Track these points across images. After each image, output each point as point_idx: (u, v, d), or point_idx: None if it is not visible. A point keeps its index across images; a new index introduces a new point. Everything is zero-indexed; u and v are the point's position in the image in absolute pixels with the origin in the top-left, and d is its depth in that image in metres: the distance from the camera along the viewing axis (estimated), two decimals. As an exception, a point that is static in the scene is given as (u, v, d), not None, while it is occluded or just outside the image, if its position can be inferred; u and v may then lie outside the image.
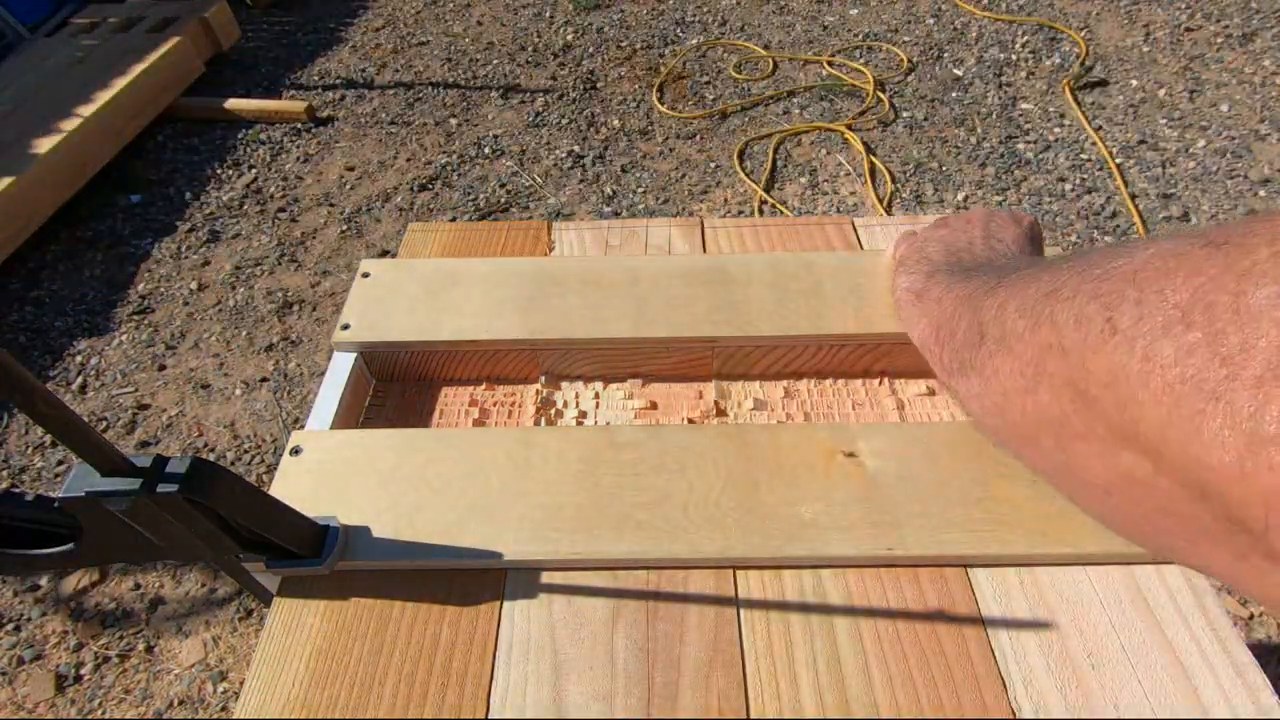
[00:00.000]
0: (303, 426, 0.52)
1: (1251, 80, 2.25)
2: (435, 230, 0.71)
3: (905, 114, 2.30)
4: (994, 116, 2.25)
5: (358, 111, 2.49)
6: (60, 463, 1.58)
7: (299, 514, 0.42)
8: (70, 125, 2.10)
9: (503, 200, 2.13)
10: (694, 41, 2.68)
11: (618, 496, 0.46)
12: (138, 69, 2.30)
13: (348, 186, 2.21)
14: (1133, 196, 1.96)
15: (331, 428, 0.53)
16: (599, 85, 2.52)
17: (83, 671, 1.28)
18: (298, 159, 2.32)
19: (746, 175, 2.13)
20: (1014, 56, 2.46)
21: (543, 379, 0.59)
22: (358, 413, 0.58)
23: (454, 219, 2.09)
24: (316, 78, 2.67)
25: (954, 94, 2.35)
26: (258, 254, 2.02)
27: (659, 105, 2.39)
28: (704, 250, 0.67)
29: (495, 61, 2.68)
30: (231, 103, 2.44)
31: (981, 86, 2.37)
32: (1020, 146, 2.15)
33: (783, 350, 0.57)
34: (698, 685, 0.39)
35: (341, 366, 0.57)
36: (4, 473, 1.57)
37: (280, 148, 2.36)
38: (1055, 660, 0.40)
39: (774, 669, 0.40)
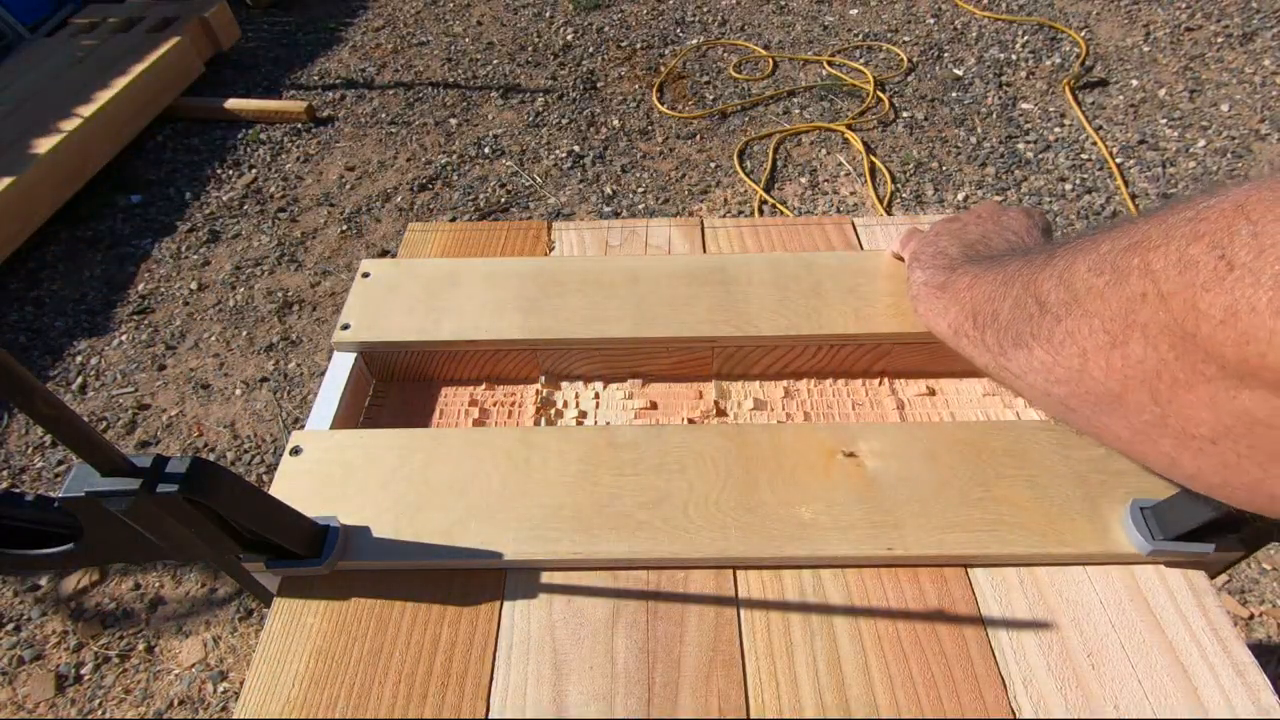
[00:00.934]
0: (303, 426, 0.52)
1: (1252, 80, 2.25)
2: (435, 230, 0.71)
3: (905, 114, 2.30)
4: (994, 116, 2.25)
5: (358, 111, 2.49)
6: (60, 463, 1.58)
7: (299, 514, 0.42)
8: (70, 125, 2.10)
9: (503, 200, 2.13)
10: (694, 41, 2.68)
11: (618, 496, 0.46)
12: (138, 69, 2.30)
13: (348, 186, 2.21)
14: (1133, 196, 1.96)
15: (331, 428, 0.53)
16: (599, 85, 2.52)
17: (83, 671, 1.28)
18: (298, 159, 2.32)
19: (746, 175, 2.13)
20: (1014, 56, 2.46)
21: (543, 379, 0.59)
22: (358, 413, 0.58)
23: (454, 219, 2.09)
24: (316, 78, 2.67)
25: (954, 94, 2.35)
26: (258, 254, 2.02)
27: (659, 105, 2.39)
28: (704, 250, 0.67)
29: (495, 61, 2.68)
30: (231, 103, 2.44)
31: (981, 86, 2.37)
32: (1020, 146, 2.15)
33: (783, 350, 0.57)
34: (698, 685, 0.39)
35: (341, 366, 0.57)
36: (4, 473, 1.57)
37: (280, 148, 2.36)
38: (1055, 660, 0.40)
39: (774, 669, 0.40)
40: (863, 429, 0.49)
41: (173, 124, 2.45)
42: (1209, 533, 0.41)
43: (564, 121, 2.37)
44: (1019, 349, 0.34)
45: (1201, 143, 2.08)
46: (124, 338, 1.83)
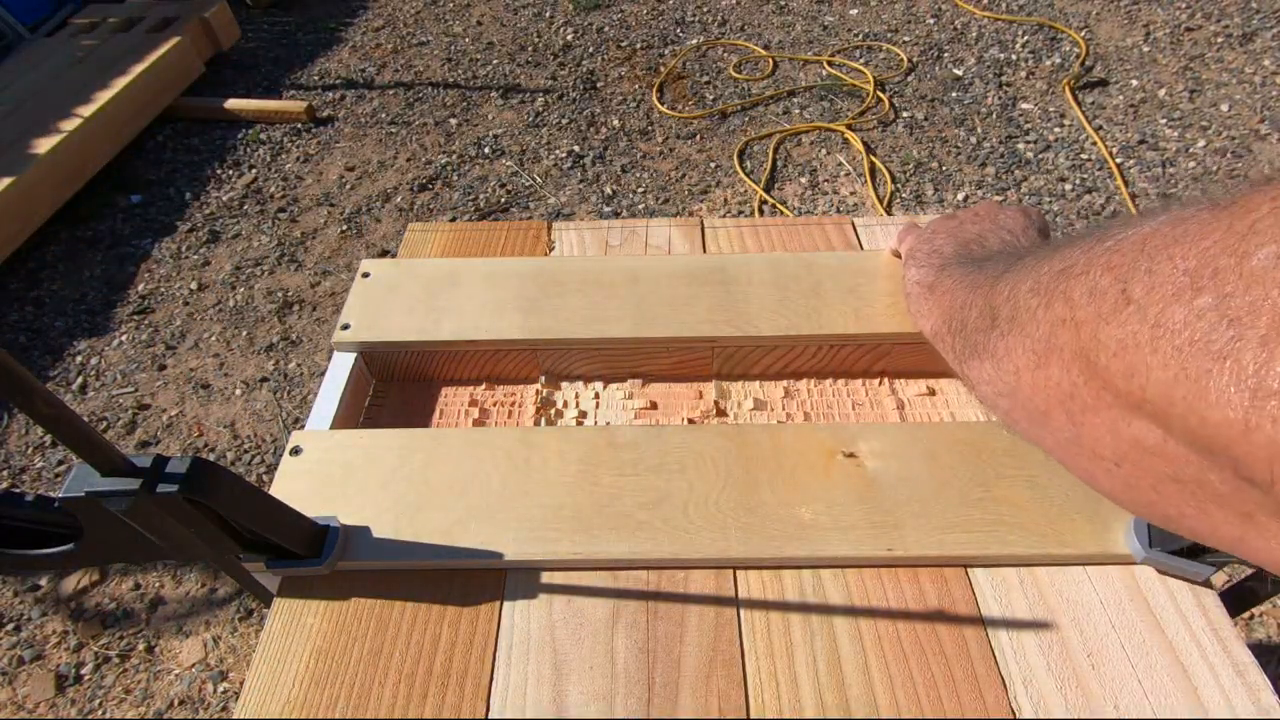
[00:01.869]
0: (303, 426, 0.52)
1: (1251, 80, 2.25)
2: (435, 230, 0.71)
3: (905, 114, 2.30)
4: (994, 116, 2.25)
5: (358, 111, 2.49)
6: (60, 463, 1.58)
7: (299, 514, 0.42)
8: (70, 125, 2.10)
9: (503, 200, 2.13)
10: (694, 41, 2.68)
11: (618, 496, 0.46)
12: (138, 69, 2.30)
13: (348, 186, 2.21)
14: (1133, 196, 1.96)
15: (331, 428, 0.53)
16: (599, 85, 2.52)
17: (83, 671, 1.28)
18: (298, 159, 2.32)
19: (746, 175, 2.13)
20: (1014, 56, 2.46)
21: (543, 379, 0.59)
22: (358, 413, 0.58)
23: (454, 219, 2.09)
24: (316, 78, 2.67)
25: (954, 94, 2.35)
26: (258, 254, 2.02)
27: (659, 105, 2.39)
28: (704, 250, 0.67)
29: (495, 61, 2.68)
30: (231, 103, 2.44)
31: (981, 86, 2.37)
32: (1020, 146, 2.15)
33: (783, 350, 0.57)
34: (698, 685, 0.39)
35: (341, 366, 0.57)
36: (4, 473, 1.57)
37: (280, 148, 2.36)
38: (1055, 660, 0.40)
39: (774, 669, 0.40)
40: (863, 429, 0.49)
41: (173, 124, 2.45)
42: (1210, 549, 0.41)
43: (564, 121, 2.37)
44: (976, 358, 0.36)
45: (1201, 143, 2.08)
46: (124, 338, 1.83)
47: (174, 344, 1.82)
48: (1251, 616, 1.23)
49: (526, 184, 2.17)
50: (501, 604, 0.43)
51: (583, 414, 0.57)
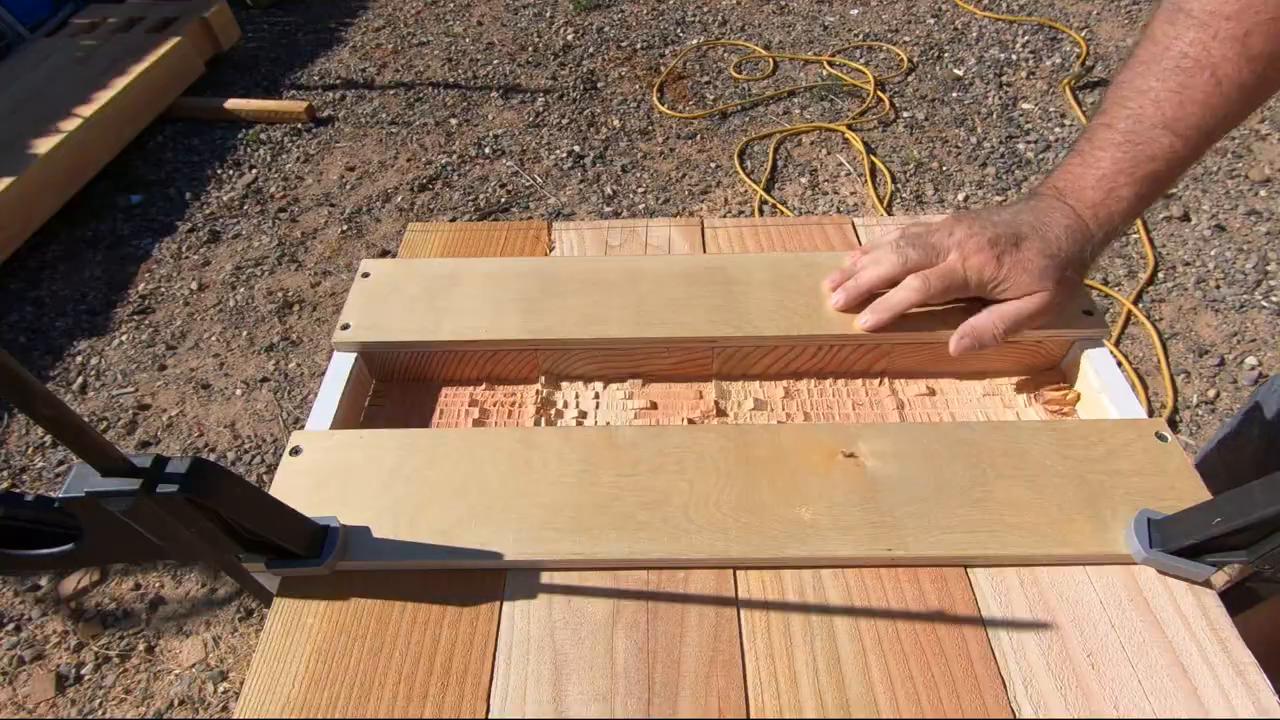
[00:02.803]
0: (303, 426, 0.52)
1: (1252, 80, 2.24)
2: (435, 230, 0.71)
3: (905, 114, 2.30)
4: (994, 116, 2.25)
5: (358, 111, 2.49)
6: (60, 463, 1.58)
7: (299, 514, 0.42)
8: (70, 125, 2.10)
9: (503, 200, 2.13)
10: (694, 41, 2.68)
11: (618, 497, 0.46)
12: (138, 69, 2.30)
13: (348, 186, 2.21)
14: (1133, 196, 1.96)
15: (331, 428, 0.53)
16: (599, 85, 2.52)
17: (83, 671, 1.28)
18: (298, 159, 2.32)
19: (746, 175, 2.13)
20: (1014, 56, 2.46)
21: (543, 379, 0.59)
22: (358, 413, 0.58)
23: (454, 219, 2.09)
24: (316, 78, 2.67)
25: (954, 94, 2.35)
26: (258, 254, 2.02)
27: (659, 105, 2.39)
28: (704, 250, 0.67)
29: (495, 61, 2.68)
30: (231, 103, 2.44)
31: (982, 86, 2.37)
32: (1021, 146, 2.15)
33: (783, 350, 0.57)
34: (698, 685, 0.39)
35: (341, 366, 0.57)
36: (4, 473, 1.57)
37: (280, 148, 2.36)
38: (1055, 660, 0.40)
39: (774, 669, 0.40)
40: (863, 429, 0.49)
41: (173, 124, 2.45)
42: (1210, 550, 0.41)
43: (564, 121, 2.37)
44: None
45: (1202, 143, 2.08)
46: (124, 338, 1.83)
47: (174, 344, 1.82)
48: (1252, 616, 1.22)
49: (527, 184, 2.17)
50: (501, 604, 0.43)
51: (583, 414, 0.57)
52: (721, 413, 0.56)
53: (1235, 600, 0.43)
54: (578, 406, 0.58)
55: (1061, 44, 2.49)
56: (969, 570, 0.44)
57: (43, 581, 1.40)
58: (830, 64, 2.51)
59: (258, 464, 1.57)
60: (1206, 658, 0.39)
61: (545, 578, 0.44)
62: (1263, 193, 1.93)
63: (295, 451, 0.49)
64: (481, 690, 0.40)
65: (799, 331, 0.55)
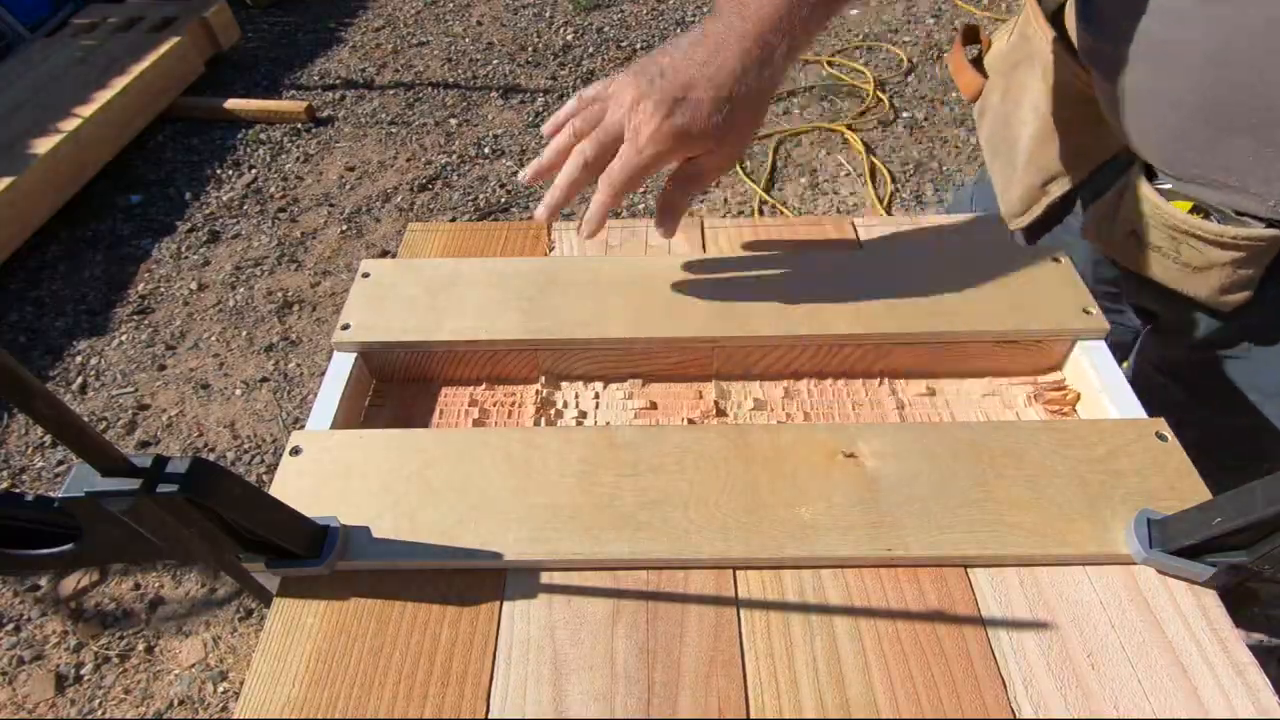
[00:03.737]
0: (303, 427, 0.52)
1: (1251, 80, 2.24)
2: (435, 230, 0.71)
3: (905, 114, 2.30)
4: (994, 116, 2.25)
5: (358, 111, 2.49)
6: (60, 463, 1.58)
7: (299, 514, 0.42)
8: (70, 125, 2.10)
9: (503, 200, 2.13)
10: (694, 41, 2.67)
11: (618, 496, 0.46)
12: (138, 69, 2.30)
13: (348, 186, 2.21)
14: (1133, 196, 1.96)
15: (331, 428, 0.53)
16: (599, 85, 2.52)
17: (83, 672, 1.28)
18: (298, 159, 2.32)
19: (746, 175, 2.13)
20: (1014, 56, 2.46)
21: (543, 379, 0.59)
22: (358, 413, 0.58)
23: (454, 219, 2.09)
24: (316, 78, 2.67)
25: (954, 94, 2.35)
26: (258, 254, 2.02)
27: (659, 105, 2.39)
28: (704, 250, 0.67)
29: (495, 62, 2.68)
30: (231, 103, 2.44)
31: (981, 86, 2.37)
32: (1020, 146, 2.14)
33: (783, 350, 0.57)
34: (698, 685, 0.39)
35: (341, 366, 0.57)
36: (4, 473, 1.57)
37: (280, 148, 2.36)
38: (1055, 660, 0.40)
39: (774, 669, 0.40)
40: (863, 429, 0.49)
41: (173, 124, 2.45)
42: (1210, 550, 0.41)
43: (564, 121, 2.37)
44: None
45: (1201, 143, 2.08)
46: (124, 338, 1.83)
47: (174, 344, 1.82)
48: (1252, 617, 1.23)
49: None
50: (501, 604, 0.43)
51: (583, 414, 0.57)
52: (721, 413, 0.56)
53: (1235, 600, 0.43)
54: (578, 406, 0.58)
55: (1061, 44, 2.48)
56: (969, 570, 0.44)
57: (42, 581, 1.40)
58: (830, 64, 2.51)
59: (258, 464, 1.57)
60: (1206, 658, 0.39)
61: (545, 578, 0.44)
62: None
63: (295, 451, 0.49)
64: (481, 690, 0.40)
65: (799, 331, 0.55)
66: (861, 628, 0.41)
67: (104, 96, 2.20)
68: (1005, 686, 0.39)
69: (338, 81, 2.64)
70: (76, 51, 2.42)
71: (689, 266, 0.61)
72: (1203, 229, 0.53)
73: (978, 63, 0.75)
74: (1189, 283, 0.57)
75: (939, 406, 0.57)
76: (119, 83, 2.25)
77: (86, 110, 2.16)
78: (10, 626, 1.33)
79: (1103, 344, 0.55)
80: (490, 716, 0.39)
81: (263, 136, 2.39)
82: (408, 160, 2.28)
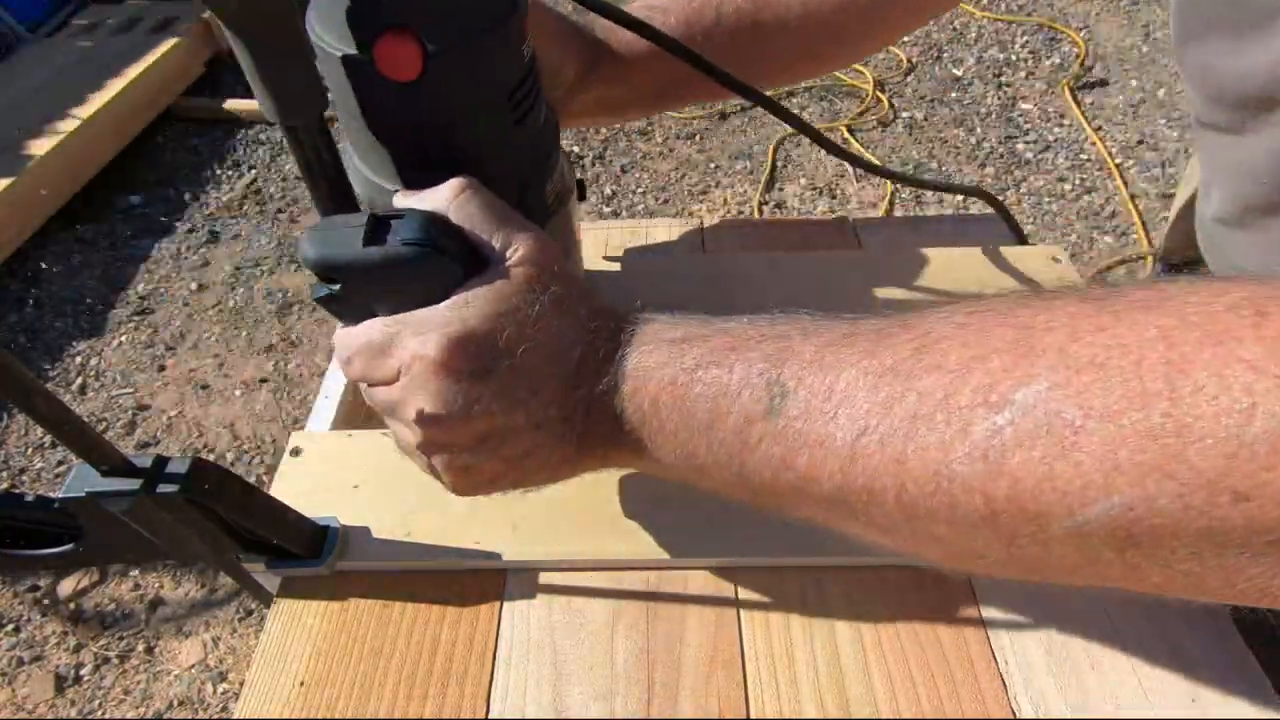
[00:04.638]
0: (303, 427, 0.52)
1: (1251, 80, 2.24)
2: (435, 230, 0.70)
3: (905, 114, 2.30)
4: (993, 117, 2.26)
5: (357, 112, 2.49)
6: (60, 463, 1.58)
7: (299, 514, 0.42)
8: (70, 126, 2.10)
9: (502, 200, 2.12)
10: (694, 42, 2.68)
11: (618, 496, 0.46)
12: (138, 69, 2.30)
13: (347, 187, 2.21)
14: (1132, 197, 1.96)
15: (332, 428, 0.53)
16: (599, 85, 2.52)
17: (83, 672, 1.28)
18: (297, 159, 2.32)
19: (746, 176, 2.13)
20: (1014, 56, 2.46)
21: (543, 379, 0.59)
22: (358, 413, 0.58)
23: (454, 219, 2.08)
24: (316, 78, 2.66)
25: (953, 94, 2.35)
26: (258, 254, 2.02)
27: (659, 105, 2.39)
28: (704, 250, 0.67)
29: (495, 62, 2.68)
30: (231, 103, 2.44)
31: (981, 86, 2.37)
32: (1020, 147, 2.15)
33: (783, 350, 0.57)
34: (698, 685, 0.39)
35: (341, 367, 0.56)
36: (4, 473, 1.57)
37: (280, 148, 2.36)
38: (1055, 660, 0.40)
39: (774, 669, 0.40)
40: (863, 429, 0.49)
41: (173, 124, 2.45)
42: None
43: (564, 122, 2.37)
44: None
45: (1201, 143, 2.08)
46: (124, 338, 1.83)
47: (174, 345, 1.82)
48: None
49: (526, 184, 2.17)
50: (501, 604, 0.43)
51: (583, 414, 0.57)
52: (721, 413, 0.56)
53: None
54: (578, 407, 0.58)
55: (1060, 44, 2.49)
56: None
57: (43, 582, 1.40)
58: (830, 64, 2.50)
59: (257, 464, 1.57)
60: (1207, 657, 0.39)
61: (545, 578, 0.44)
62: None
63: (295, 452, 0.49)
64: (481, 690, 0.40)
65: (799, 331, 0.55)
66: (861, 628, 0.41)
67: (104, 97, 2.20)
68: (1005, 686, 0.39)
69: (337, 82, 2.64)
70: (76, 52, 2.42)
71: (689, 267, 0.61)
72: None
73: None
74: None
75: (939, 406, 0.56)
76: (119, 84, 2.25)
77: (86, 111, 2.16)
78: (10, 627, 1.33)
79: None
80: (490, 717, 0.39)
81: (263, 137, 2.39)
82: (407, 160, 2.28)
